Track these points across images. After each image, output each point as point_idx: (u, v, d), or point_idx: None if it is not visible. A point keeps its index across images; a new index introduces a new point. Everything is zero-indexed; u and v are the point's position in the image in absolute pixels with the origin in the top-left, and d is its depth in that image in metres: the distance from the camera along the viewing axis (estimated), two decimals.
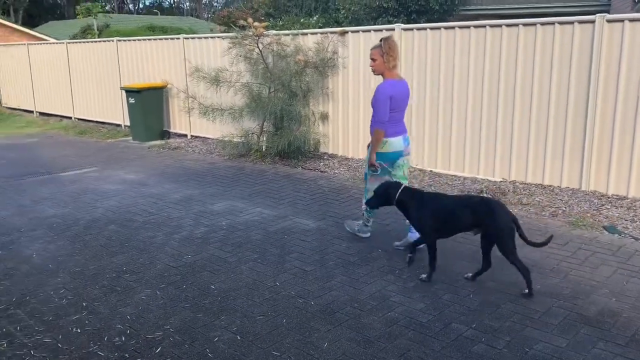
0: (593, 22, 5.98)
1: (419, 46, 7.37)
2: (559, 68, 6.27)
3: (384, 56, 4.55)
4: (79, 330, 3.48)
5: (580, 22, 6.10)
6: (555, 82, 6.32)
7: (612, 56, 5.93)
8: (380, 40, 4.61)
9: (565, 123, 6.33)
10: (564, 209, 5.79)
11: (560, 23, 6.23)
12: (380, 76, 4.69)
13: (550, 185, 6.50)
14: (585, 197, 6.08)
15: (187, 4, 72.77)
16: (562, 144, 6.38)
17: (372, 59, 4.62)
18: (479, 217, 3.89)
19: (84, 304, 3.85)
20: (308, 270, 4.40)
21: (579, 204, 5.88)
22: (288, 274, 4.33)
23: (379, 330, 3.45)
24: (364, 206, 4.88)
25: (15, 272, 4.42)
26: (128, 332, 3.46)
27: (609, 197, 6.03)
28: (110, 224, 5.60)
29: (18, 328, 3.53)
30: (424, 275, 4.16)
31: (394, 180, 4.56)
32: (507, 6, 15.08)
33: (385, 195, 4.22)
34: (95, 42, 12.90)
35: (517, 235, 3.87)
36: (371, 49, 4.66)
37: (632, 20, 5.79)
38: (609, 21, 5.90)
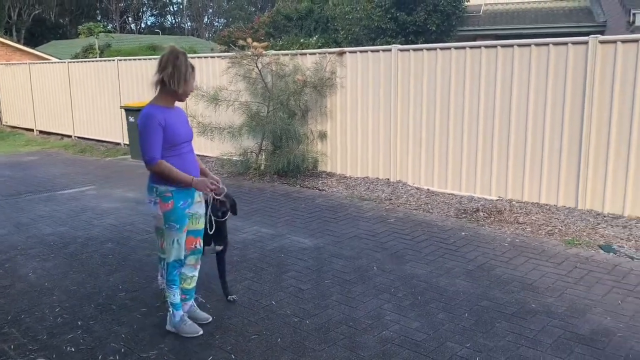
0: (586, 43, 6.07)
1: (416, 66, 7.46)
2: (554, 88, 6.34)
3: None
4: (73, 349, 3.48)
5: (574, 43, 6.18)
6: (550, 101, 6.39)
7: (605, 76, 6.00)
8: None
9: (560, 142, 6.38)
10: (560, 227, 5.81)
11: (555, 44, 6.32)
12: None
13: (546, 204, 6.53)
14: (581, 215, 6.10)
15: (188, 24, 73.50)
16: (558, 162, 6.42)
17: None
18: None
19: (79, 322, 3.85)
20: (304, 289, 4.40)
21: (575, 223, 5.90)
22: (284, 292, 4.33)
23: (374, 349, 3.45)
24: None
25: (11, 290, 4.42)
26: (122, 350, 3.46)
27: (604, 216, 6.05)
28: (108, 242, 5.61)
29: (12, 347, 3.52)
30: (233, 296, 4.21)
31: None
32: (504, 27, 15.23)
33: None
34: (96, 61, 13.03)
35: None
36: None
37: (624, 41, 5.87)
38: (601, 42, 5.99)
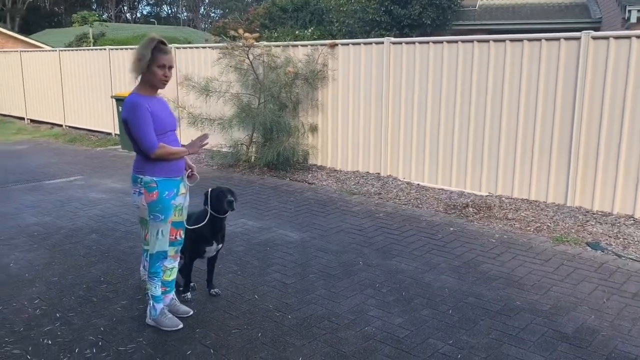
0: (579, 38, 6.02)
1: (408, 60, 7.39)
2: (545, 83, 6.29)
3: None
4: (50, 342, 3.42)
5: (567, 38, 6.13)
6: (541, 97, 6.34)
7: (597, 73, 5.96)
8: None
9: (551, 138, 6.34)
10: (548, 224, 5.78)
11: (547, 39, 6.26)
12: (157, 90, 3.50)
13: (536, 201, 6.50)
14: (570, 212, 6.08)
15: (185, 14, 73.03)
16: (548, 158, 6.38)
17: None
18: None
19: (57, 314, 3.79)
20: (288, 283, 4.35)
21: (563, 220, 5.87)
22: (268, 286, 4.28)
23: (355, 345, 3.41)
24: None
25: None
26: (100, 344, 3.40)
27: (593, 213, 6.02)
28: (92, 233, 5.54)
29: None
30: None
31: None
32: (499, 22, 15.18)
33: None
34: (88, 50, 12.90)
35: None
36: (169, 54, 3.38)
37: (617, 37, 5.82)
38: (594, 38, 5.94)
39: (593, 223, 5.76)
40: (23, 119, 15.05)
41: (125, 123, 3.33)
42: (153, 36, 3.37)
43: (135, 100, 3.31)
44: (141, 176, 3.39)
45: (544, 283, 4.35)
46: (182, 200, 3.59)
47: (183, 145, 3.54)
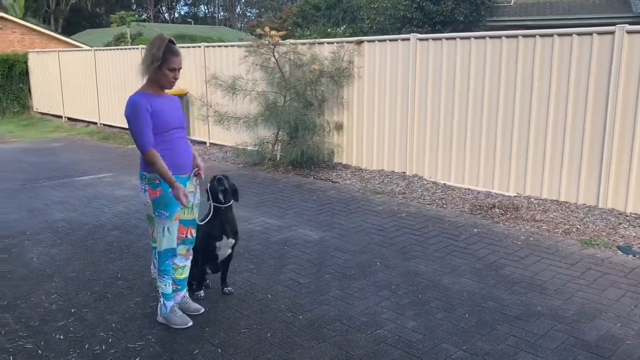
0: (613, 33, 5.75)
1: (435, 57, 7.23)
2: (577, 80, 6.05)
3: None
4: (62, 337, 3.46)
5: (600, 33, 5.88)
6: (572, 94, 6.10)
7: (632, 68, 5.69)
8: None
9: (582, 137, 6.09)
10: (578, 226, 5.55)
11: (579, 34, 6.02)
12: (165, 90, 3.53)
13: (566, 202, 6.26)
14: (602, 215, 5.82)
15: (221, 13, 73.87)
16: (579, 158, 6.14)
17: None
18: None
19: (72, 310, 3.84)
20: (302, 283, 4.30)
21: (594, 222, 5.63)
22: (281, 286, 4.24)
23: (365, 348, 3.33)
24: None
25: (12, 276, 4.45)
26: (110, 340, 3.42)
27: (627, 216, 5.76)
28: (114, 230, 5.62)
29: (2, 332, 3.53)
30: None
31: None
32: (535, 17, 14.75)
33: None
34: (121, 49, 13.14)
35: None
36: (180, 56, 3.40)
37: None
38: (629, 32, 5.67)
39: (626, 226, 5.50)
40: (60, 117, 15.46)
41: (126, 121, 3.36)
42: (162, 35, 3.36)
43: (135, 100, 3.32)
44: (146, 172, 3.40)
45: (568, 288, 4.17)
46: (190, 198, 3.57)
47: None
